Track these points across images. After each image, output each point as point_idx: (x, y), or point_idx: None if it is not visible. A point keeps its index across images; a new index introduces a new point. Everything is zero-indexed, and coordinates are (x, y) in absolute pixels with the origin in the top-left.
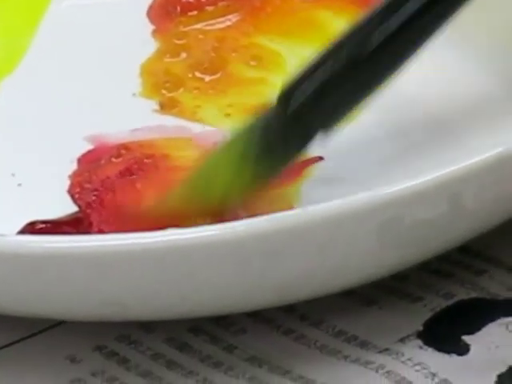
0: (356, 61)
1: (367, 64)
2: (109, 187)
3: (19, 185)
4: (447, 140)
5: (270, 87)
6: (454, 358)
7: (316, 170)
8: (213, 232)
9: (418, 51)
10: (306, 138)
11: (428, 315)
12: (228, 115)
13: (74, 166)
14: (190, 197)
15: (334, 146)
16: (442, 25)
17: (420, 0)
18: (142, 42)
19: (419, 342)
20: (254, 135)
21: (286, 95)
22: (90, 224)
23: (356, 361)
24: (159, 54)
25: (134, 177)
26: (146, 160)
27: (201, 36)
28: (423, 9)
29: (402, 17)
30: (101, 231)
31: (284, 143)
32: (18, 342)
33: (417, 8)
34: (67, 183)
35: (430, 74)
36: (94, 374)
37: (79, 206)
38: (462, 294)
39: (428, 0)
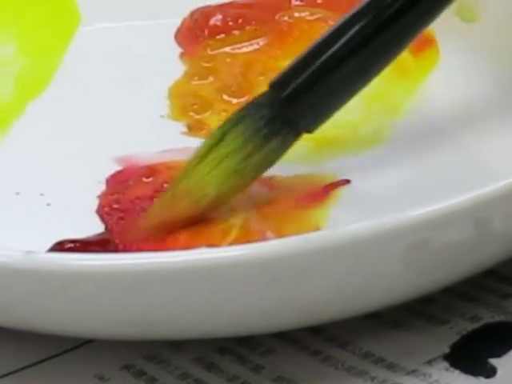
0: (349, 52)
1: (359, 55)
2: (138, 208)
3: (48, 204)
4: (467, 163)
5: None
6: (481, 380)
7: (343, 192)
8: (241, 252)
9: (409, 43)
10: (295, 126)
11: (454, 338)
12: None
13: (102, 187)
14: (182, 195)
15: (360, 169)
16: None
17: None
18: (170, 64)
19: (446, 365)
20: (238, 129)
21: (277, 83)
22: (118, 244)
23: (383, 382)
24: (187, 77)
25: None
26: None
27: (228, 59)
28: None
29: (391, 9)
30: (128, 251)
31: (267, 136)
32: (47, 359)
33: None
34: (96, 203)
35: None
36: None
37: (107, 226)
38: (488, 317)
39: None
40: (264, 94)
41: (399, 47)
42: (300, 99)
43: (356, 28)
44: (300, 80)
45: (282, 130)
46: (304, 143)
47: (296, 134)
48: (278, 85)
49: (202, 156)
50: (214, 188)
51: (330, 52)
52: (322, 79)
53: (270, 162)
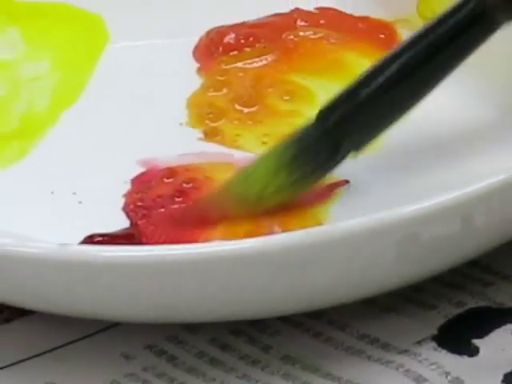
0: (387, 88)
1: (396, 91)
2: (159, 205)
3: (80, 202)
4: (453, 165)
5: (301, 119)
6: (466, 358)
7: (343, 191)
8: (251, 244)
9: (437, 84)
10: (336, 154)
11: (442, 321)
12: (264, 143)
13: (127, 187)
14: (231, 197)
15: (358, 171)
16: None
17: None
18: (189, 78)
19: (434, 345)
20: (291, 146)
21: (324, 112)
22: (141, 237)
23: (378, 360)
24: (203, 89)
25: (181, 199)
26: (191, 182)
27: (240, 73)
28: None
29: (420, 55)
30: (151, 243)
31: (316, 156)
32: (80, 340)
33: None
34: (122, 201)
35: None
36: (145, 370)
37: (132, 222)
38: (472, 303)
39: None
40: (313, 124)
41: (429, 86)
42: (346, 127)
43: (396, 64)
44: (347, 109)
45: (332, 156)
46: None
47: (342, 157)
48: (326, 113)
49: (260, 175)
50: (265, 201)
51: (372, 84)
52: (365, 110)
53: (317, 179)
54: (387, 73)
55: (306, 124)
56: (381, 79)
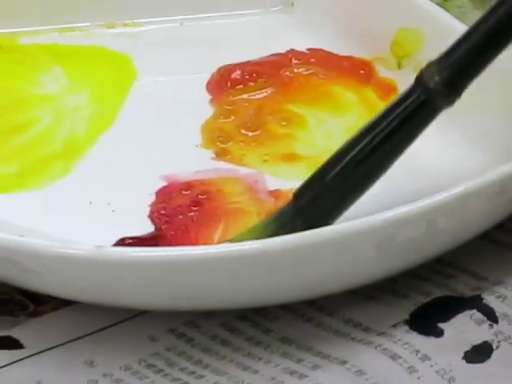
0: (348, 169)
1: (358, 171)
2: (179, 213)
3: (113, 211)
4: (420, 179)
5: (296, 141)
6: (432, 339)
7: None
8: (256, 246)
9: (394, 161)
10: (310, 225)
11: (412, 308)
12: (265, 161)
13: (152, 198)
14: None
15: None
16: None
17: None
18: (203, 107)
19: (406, 328)
20: (272, 222)
21: (298, 193)
22: (164, 240)
23: (360, 341)
24: (215, 117)
25: (196, 208)
26: (205, 194)
27: (245, 104)
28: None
29: (377, 138)
30: (172, 245)
31: (293, 230)
32: (113, 325)
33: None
34: (148, 210)
35: None
36: (167, 350)
37: (156, 227)
38: (437, 292)
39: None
40: (290, 202)
41: (386, 165)
42: (315, 205)
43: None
44: (316, 190)
45: (308, 228)
46: (300, 164)
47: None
48: (300, 194)
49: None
50: None
51: (336, 167)
52: (331, 190)
53: None
54: (349, 156)
55: (283, 205)
56: (343, 162)
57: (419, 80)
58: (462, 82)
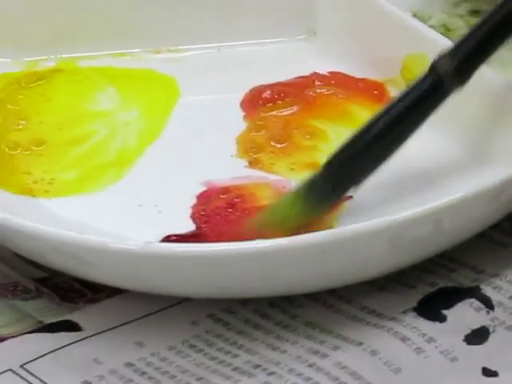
0: (371, 142)
1: (380, 143)
2: (217, 214)
3: (160, 212)
4: (425, 184)
5: (319, 152)
6: (437, 324)
7: (348, 205)
8: (283, 242)
9: (410, 136)
10: (338, 190)
11: (420, 297)
12: (292, 169)
13: (194, 201)
14: (268, 220)
15: (359, 191)
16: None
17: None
18: (238, 122)
19: (415, 314)
20: (304, 186)
21: (327, 163)
22: (203, 237)
23: (374, 325)
24: (248, 131)
25: (232, 210)
26: (240, 198)
27: (274, 119)
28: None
29: (397, 116)
30: (210, 241)
31: (321, 192)
32: (160, 310)
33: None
34: (190, 211)
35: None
36: (207, 332)
37: (197, 226)
38: (441, 283)
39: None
40: (320, 172)
41: (404, 139)
42: (343, 173)
43: (375, 127)
44: (342, 161)
45: (332, 193)
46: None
47: (341, 194)
48: (329, 164)
49: (287, 204)
50: (288, 224)
51: (359, 141)
52: (356, 161)
53: (324, 209)
54: (372, 131)
55: (314, 172)
56: (366, 137)
57: (433, 67)
58: (468, 69)
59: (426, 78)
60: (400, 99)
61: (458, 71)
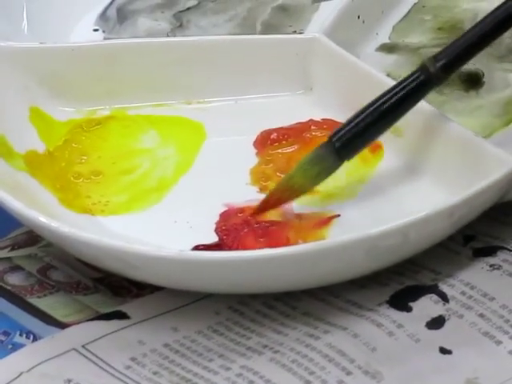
0: (370, 119)
1: (380, 119)
2: (235, 229)
3: (191, 227)
4: (397, 207)
5: None
6: (405, 313)
7: (336, 221)
8: (283, 251)
9: (401, 117)
10: (338, 160)
11: (391, 292)
12: None
13: (217, 218)
14: (288, 182)
15: (345, 210)
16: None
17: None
18: (251, 158)
19: (387, 306)
20: (313, 154)
21: (332, 136)
22: (224, 246)
23: (356, 314)
24: (259, 164)
25: (246, 226)
26: (252, 216)
27: (280, 155)
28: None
29: (391, 105)
30: (230, 250)
31: (325, 160)
32: (189, 304)
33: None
34: (214, 227)
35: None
36: (227, 320)
37: (220, 238)
38: (408, 282)
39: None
40: (326, 144)
41: (396, 119)
42: (345, 145)
43: (378, 109)
44: (348, 135)
45: (335, 161)
46: (316, 196)
47: (340, 163)
48: (333, 136)
49: (301, 171)
50: (303, 188)
51: (362, 123)
52: (359, 135)
53: (327, 175)
54: (368, 111)
55: (321, 143)
56: (365, 116)
57: (422, 66)
58: (452, 68)
59: (415, 74)
60: (392, 89)
61: (443, 69)
